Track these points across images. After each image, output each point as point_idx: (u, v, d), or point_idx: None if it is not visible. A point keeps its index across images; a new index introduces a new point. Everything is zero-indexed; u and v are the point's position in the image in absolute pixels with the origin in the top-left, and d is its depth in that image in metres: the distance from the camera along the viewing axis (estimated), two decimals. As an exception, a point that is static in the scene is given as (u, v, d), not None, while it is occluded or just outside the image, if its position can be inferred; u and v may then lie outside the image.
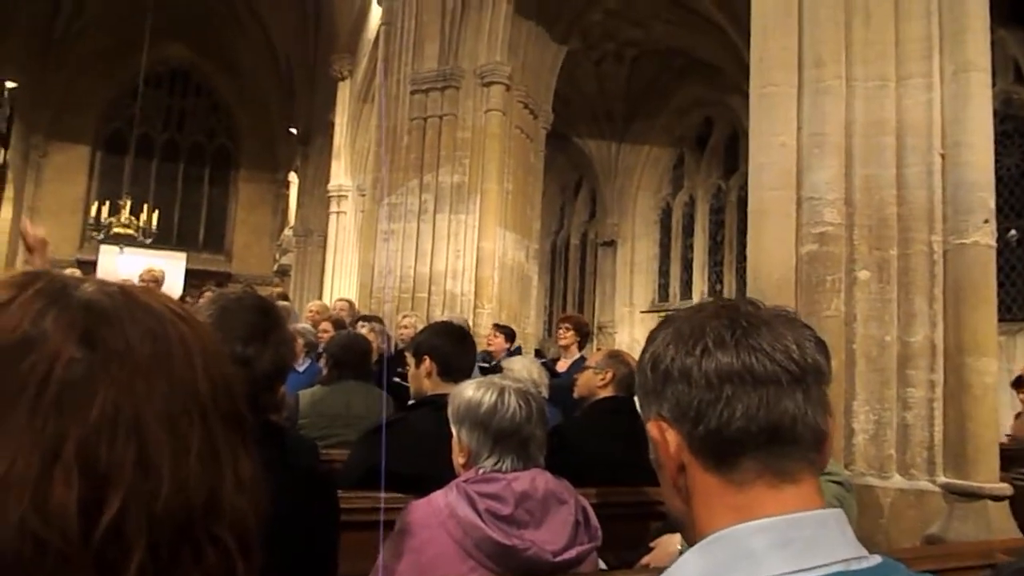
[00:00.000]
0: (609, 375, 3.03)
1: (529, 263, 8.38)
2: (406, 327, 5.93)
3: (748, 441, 0.71)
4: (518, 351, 5.96)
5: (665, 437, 0.74)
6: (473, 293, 7.69)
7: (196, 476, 0.45)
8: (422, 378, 2.41)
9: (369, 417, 3.10)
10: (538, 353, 7.65)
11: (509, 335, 6.07)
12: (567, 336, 5.62)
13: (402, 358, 5.57)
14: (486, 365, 5.08)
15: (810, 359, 0.73)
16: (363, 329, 5.43)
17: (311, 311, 6.84)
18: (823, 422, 0.73)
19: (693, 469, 0.72)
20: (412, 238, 7.88)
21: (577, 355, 5.52)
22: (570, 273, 15.17)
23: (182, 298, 6.49)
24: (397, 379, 4.98)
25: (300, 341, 4.63)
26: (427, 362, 2.39)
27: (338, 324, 5.84)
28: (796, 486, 0.71)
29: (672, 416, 0.74)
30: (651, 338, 0.80)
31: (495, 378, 1.83)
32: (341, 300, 7.50)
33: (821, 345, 0.75)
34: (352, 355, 3.67)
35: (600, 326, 13.22)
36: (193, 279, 14.14)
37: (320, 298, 10.53)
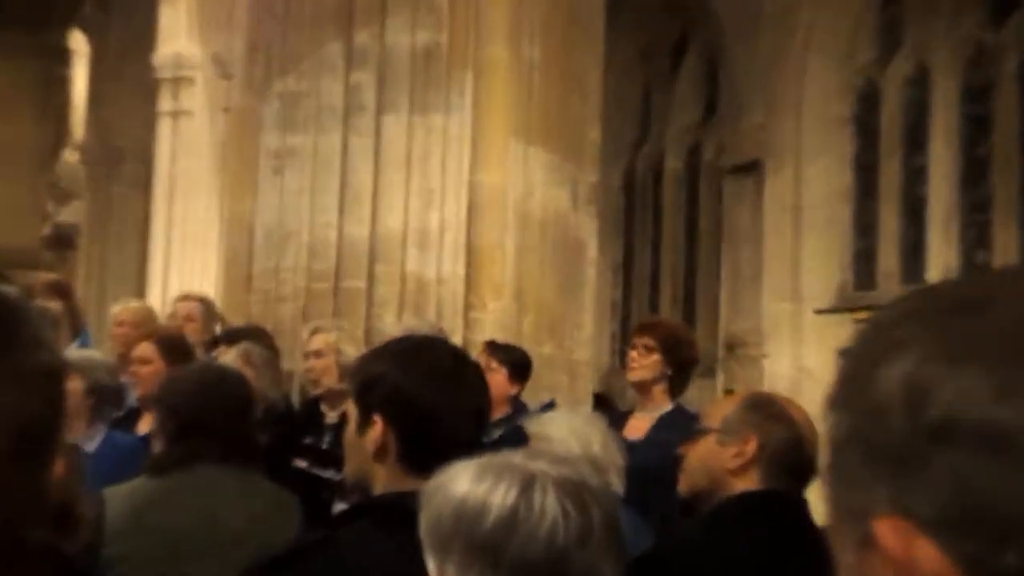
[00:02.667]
0: (751, 446, 3.09)
1: (579, 214, 7.60)
2: (320, 354, 5.88)
3: None
4: (551, 405, 5.88)
5: (913, 554, 0.69)
6: (463, 278, 7.08)
7: None
8: (367, 454, 2.35)
9: (254, 539, 3.30)
10: (600, 401, 7.26)
11: (517, 368, 5.95)
12: (644, 364, 5.41)
13: (314, 416, 5.95)
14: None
15: None
16: (229, 356, 5.59)
17: (120, 323, 6.90)
18: None
19: None
20: (333, 166, 7.17)
21: (669, 405, 5.38)
22: (665, 234, 14.08)
23: None
24: (304, 462, 5.21)
25: (79, 384, 4.66)
26: (378, 427, 2.30)
27: (175, 346, 5.74)
28: None
29: (940, 518, 0.68)
30: (890, 341, 0.73)
31: (513, 457, 1.82)
32: (186, 299, 7.46)
33: None
34: (214, 412, 3.65)
35: (731, 343, 12.26)
36: None
37: (142, 295, 10.22)
